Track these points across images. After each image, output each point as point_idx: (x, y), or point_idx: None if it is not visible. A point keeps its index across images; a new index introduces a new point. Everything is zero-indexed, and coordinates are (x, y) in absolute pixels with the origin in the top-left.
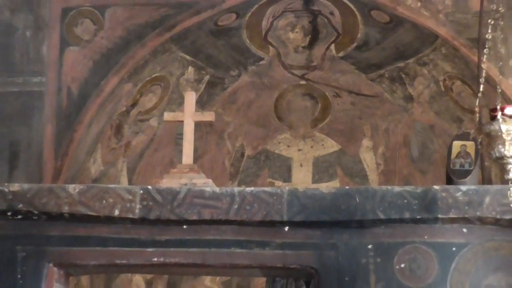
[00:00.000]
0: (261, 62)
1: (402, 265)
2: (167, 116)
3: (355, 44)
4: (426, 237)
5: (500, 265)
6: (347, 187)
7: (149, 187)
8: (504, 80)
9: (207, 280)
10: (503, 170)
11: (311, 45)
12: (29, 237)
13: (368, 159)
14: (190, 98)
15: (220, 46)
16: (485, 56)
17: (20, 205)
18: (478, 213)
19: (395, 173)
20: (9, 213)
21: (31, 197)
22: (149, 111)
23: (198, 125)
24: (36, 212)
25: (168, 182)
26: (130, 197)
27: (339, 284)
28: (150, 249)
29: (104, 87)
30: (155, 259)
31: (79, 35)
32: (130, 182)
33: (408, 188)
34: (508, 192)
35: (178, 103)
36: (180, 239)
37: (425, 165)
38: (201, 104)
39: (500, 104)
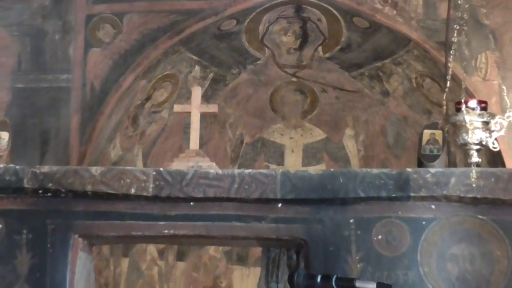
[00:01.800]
0: (258, 62)
1: (379, 237)
2: (177, 108)
3: (339, 47)
4: (400, 212)
5: (463, 236)
6: (332, 170)
7: (161, 169)
8: (468, 78)
9: (211, 249)
10: (467, 155)
11: (301, 47)
12: (58, 212)
13: (350, 145)
14: (197, 92)
15: (223, 48)
16: (451, 57)
17: (50, 184)
18: (444, 192)
19: (373, 158)
20: (40, 191)
21: (59, 177)
22: (161, 104)
23: (203, 116)
24: (63, 191)
25: (177, 165)
26: (145, 177)
27: (325, 253)
28: (161, 223)
29: (122, 83)
30: (166, 231)
31: (101, 38)
32: (144, 165)
33: (384, 170)
34: (471, 174)
35: (186, 97)
36: (188, 214)
37: (399, 151)
38: (206, 98)
39: (464, 98)
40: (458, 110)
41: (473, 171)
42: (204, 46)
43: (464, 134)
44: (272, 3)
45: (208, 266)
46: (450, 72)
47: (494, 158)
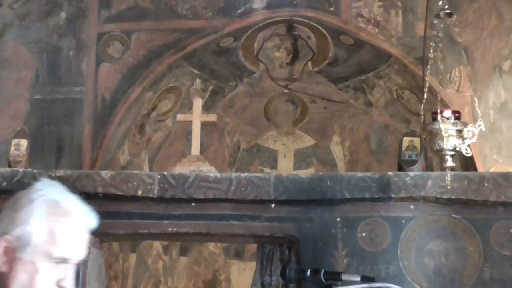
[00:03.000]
0: (253, 75)
1: (364, 234)
2: (180, 117)
3: (327, 61)
4: (382, 212)
5: (439, 233)
6: (320, 173)
7: (165, 173)
8: (443, 90)
9: (211, 246)
10: (442, 160)
11: (292, 62)
12: None
13: (337, 151)
14: (198, 103)
15: (221, 62)
16: (428, 71)
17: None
18: (422, 194)
19: (358, 162)
20: None
21: (72, 180)
22: (165, 113)
23: (203, 125)
24: (77, 193)
25: (180, 169)
26: (150, 180)
27: (314, 249)
28: (166, 221)
29: (130, 95)
30: (170, 229)
31: (111, 53)
32: (150, 169)
33: (368, 174)
34: (446, 177)
35: (188, 107)
36: (190, 214)
37: (381, 156)
38: (206, 108)
39: (439, 108)
40: (434, 119)
41: (448, 174)
42: (204, 61)
43: (439, 141)
44: (266, 22)
45: (208, 261)
46: (427, 85)
47: (466, 163)
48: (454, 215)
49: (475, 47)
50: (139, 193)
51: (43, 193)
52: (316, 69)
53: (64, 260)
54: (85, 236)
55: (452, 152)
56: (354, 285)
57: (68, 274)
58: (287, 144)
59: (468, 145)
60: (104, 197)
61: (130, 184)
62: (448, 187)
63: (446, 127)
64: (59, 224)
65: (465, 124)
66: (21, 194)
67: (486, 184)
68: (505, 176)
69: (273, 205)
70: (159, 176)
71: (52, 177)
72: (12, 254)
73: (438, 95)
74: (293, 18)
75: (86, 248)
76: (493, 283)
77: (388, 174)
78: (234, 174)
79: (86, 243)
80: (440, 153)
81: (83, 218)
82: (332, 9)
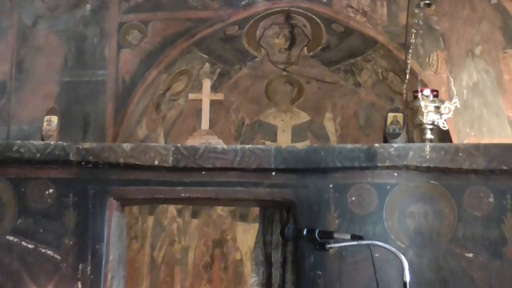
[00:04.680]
0: (255, 60)
1: (353, 198)
2: (191, 96)
3: (320, 47)
4: (369, 179)
5: (419, 198)
6: (315, 145)
7: (179, 145)
8: (423, 72)
9: (219, 209)
10: (422, 133)
11: (290, 47)
12: (97, 179)
13: (330, 126)
14: (207, 84)
15: (227, 48)
16: (409, 55)
17: (90, 158)
18: (404, 163)
19: (348, 136)
20: (83, 163)
21: (97, 152)
22: (178, 93)
23: (212, 103)
24: (101, 163)
25: (191, 142)
26: (165, 152)
27: (309, 212)
28: (179, 188)
29: (147, 77)
30: (183, 194)
31: (130, 41)
32: (165, 142)
33: (357, 145)
34: (425, 148)
35: (198, 88)
36: (200, 181)
37: (368, 130)
38: (214, 88)
39: (420, 88)
40: (415, 97)
41: (427, 146)
42: (212, 47)
43: (420, 116)
44: (267, 13)
45: (216, 222)
46: (408, 67)
47: (443, 136)
48: (432, 181)
49: (450, 34)
50: (156, 163)
51: None
52: (311, 53)
53: None
54: None
55: (431, 126)
56: (344, 243)
57: None
58: (286, 120)
59: (445, 120)
60: (125, 166)
61: (147, 155)
62: (427, 157)
63: (426, 104)
64: None
65: (442, 102)
66: None
67: (460, 154)
68: (476, 147)
69: (273, 173)
70: (173, 148)
71: (79, 149)
72: None
73: (418, 76)
74: (290, 8)
75: None
76: (466, 240)
77: (374, 146)
78: (239, 146)
79: None
80: (420, 127)
81: None
82: (325, 0)
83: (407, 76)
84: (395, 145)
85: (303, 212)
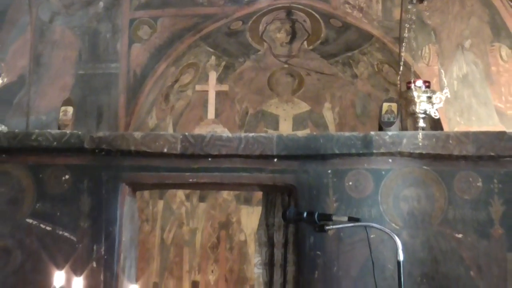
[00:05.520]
0: (258, 53)
1: (350, 183)
2: (198, 87)
3: (319, 41)
4: (365, 165)
5: (412, 182)
6: (314, 133)
7: (186, 133)
8: (415, 64)
9: (225, 193)
10: (415, 121)
11: (291, 41)
12: (110, 166)
13: (328, 115)
14: (213, 76)
15: (232, 42)
16: (403, 49)
17: (104, 146)
18: (398, 149)
19: (345, 124)
20: (96, 151)
21: (110, 140)
22: (186, 85)
23: (218, 94)
24: (113, 150)
25: (198, 130)
26: (174, 140)
27: (309, 196)
28: (187, 173)
29: (157, 70)
30: (191, 180)
31: (141, 36)
32: (174, 131)
33: (354, 133)
34: (418, 135)
35: (205, 79)
36: (207, 167)
37: (365, 119)
38: (220, 80)
39: (413, 79)
40: (409, 88)
41: (420, 133)
42: (218, 41)
43: (413, 106)
44: (269, 9)
45: (222, 206)
46: (402, 60)
47: (435, 124)
48: (424, 167)
49: (442, 29)
50: (165, 150)
51: None
52: (310, 47)
53: None
54: None
55: (423, 115)
56: (342, 224)
57: None
58: (287, 109)
59: (436, 109)
60: (136, 154)
61: (157, 143)
62: (420, 144)
63: (418, 94)
64: None
65: (434, 92)
66: None
67: (450, 142)
68: (466, 134)
69: (275, 160)
70: (181, 136)
71: (93, 138)
72: None
73: (412, 68)
74: (291, 5)
75: None
76: (455, 221)
77: (370, 134)
78: (243, 134)
79: None
80: (413, 116)
81: None
82: None
83: (401, 68)
84: (389, 133)
85: (304, 196)
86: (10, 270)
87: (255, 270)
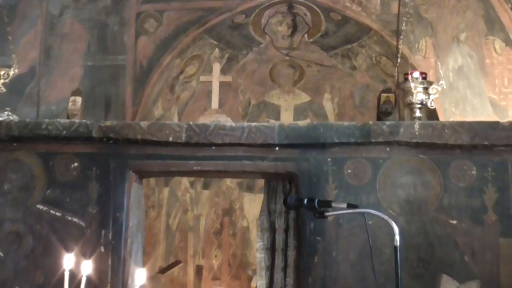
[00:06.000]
0: (261, 45)
1: (349, 171)
2: (202, 78)
3: (320, 34)
4: (364, 153)
5: (409, 170)
6: (315, 122)
7: (191, 123)
8: (412, 56)
9: (228, 181)
10: (412, 111)
11: (292, 34)
12: (117, 154)
13: (328, 106)
14: (216, 67)
15: (235, 35)
16: (400, 41)
17: (111, 135)
18: (396, 139)
19: (344, 114)
20: (104, 140)
21: (118, 129)
22: (190, 76)
23: (221, 85)
24: (121, 139)
25: (203, 120)
26: (179, 129)
27: (310, 183)
28: (191, 162)
29: (162, 62)
30: (195, 168)
31: (147, 28)
32: (179, 120)
33: (353, 123)
34: (415, 125)
35: (209, 71)
36: (211, 155)
37: (363, 109)
38: (223, 71)
39: (410, 71)
40: (406, 79)
41: (416, 123)
42: (222, 34)
43: (410, 97)
44: (271, 2)
45: (225, 193)
46: (399, 52)
47: (431, 114)
48: (421, 156)
49: (438, 22)
50: (170, 139)
51: None
52: (311, 40)
53: None
54: None
55: (420, 105)
56: (341, 211)
57: None
58: (288, 100)
59: (432, 100)
60: (142, 142)
61: (163, 132)
62: (417, 133)
63: (415, 85)
64: None
65: (430, 83)
66: None
67: (446, 131)
68: (461, 124)
69: (277, 148)
70: (186, 126)
71: (101, 127)
72: None
73: (409, 60)
74: None
75: None
76: (450, 208)
77: (368, 123)
78: (246, 124)
79: None
80: (410, 106)
81: None
82: None
83: (399, 60)
84: (387, 122)
85: (304, 183)
86: (22, 254)
87: (257, 254)
